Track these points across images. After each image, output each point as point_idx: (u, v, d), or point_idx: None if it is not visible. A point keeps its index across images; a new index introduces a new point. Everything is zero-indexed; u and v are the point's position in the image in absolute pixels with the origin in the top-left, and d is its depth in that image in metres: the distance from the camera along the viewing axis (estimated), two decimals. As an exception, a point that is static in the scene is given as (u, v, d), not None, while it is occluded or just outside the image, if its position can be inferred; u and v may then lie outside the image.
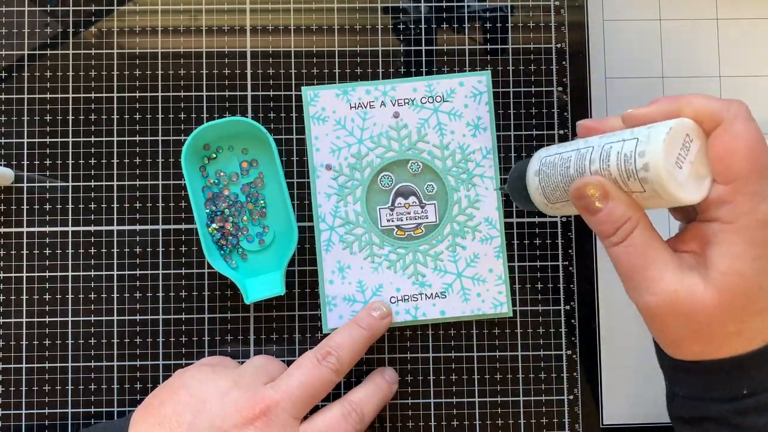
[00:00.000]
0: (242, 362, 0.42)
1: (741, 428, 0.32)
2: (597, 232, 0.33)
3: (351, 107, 0.45)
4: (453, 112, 0.45)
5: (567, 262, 0.45)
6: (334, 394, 0.44)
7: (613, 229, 0.32)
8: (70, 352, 0.44)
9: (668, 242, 0.33)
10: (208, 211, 0.44)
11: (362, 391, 0.40)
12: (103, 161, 0.45)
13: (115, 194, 0.45)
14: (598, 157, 0.31)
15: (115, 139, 0.45)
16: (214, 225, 0.44)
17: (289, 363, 0.40)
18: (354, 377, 0.45)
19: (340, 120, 0.45)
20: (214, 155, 0.45)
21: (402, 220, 0.45)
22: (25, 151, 0.45)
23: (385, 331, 0.44)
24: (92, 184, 0.45)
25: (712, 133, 0.30)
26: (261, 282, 0.43)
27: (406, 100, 0.45)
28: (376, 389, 0.41)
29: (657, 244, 0.32)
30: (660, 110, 0.31)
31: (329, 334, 0.41)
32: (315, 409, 0.39)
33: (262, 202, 0.44)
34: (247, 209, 0.44)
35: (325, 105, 0.45)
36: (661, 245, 0.32)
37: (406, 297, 0.44)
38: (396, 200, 0.45)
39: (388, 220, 0.45)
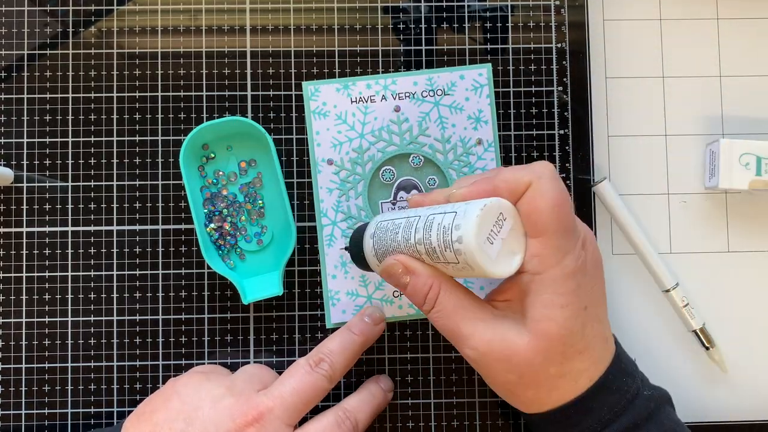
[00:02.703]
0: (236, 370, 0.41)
1: None
2: (413, 304, 0.36)
3: (352, 102, 0.45)
4: (454, 105, 0.45)
5: (567, 262, 0.45)
6: (333, 396, 0.44)
7: (422, 299, 0.35)
8: (70, 352, 0.44)
9: (489, 294, 0.37)
10: (206, 211, 0.44)
11: (356, 399, 0.40)
12: (103, 161, 0.45)
13: (115, 194, 0.45)
14: (422, 227, 0.34)
15: (115, 139, 0.45)
16: (212, 225, 0.44)
17: (288, 363, 0.40)
18: (353, 377, 0.45)
19: (341, 115, 0.45)
20: (213, 155, 0.45)
21: None
22: (25, 151, 0.45)
23: (379, 336, 0.44)
24: (92, 184, 0.45)
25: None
26: (259, 282, 0.43)
27: (407, 94, 0.45)
28: (371, 397, 0.41)
29: (466, 303, 0.35)
30: (478, 190, 0.34)
31: (331, 330, 0.41)
32: (308, 418, 0.39)
33: (260, 202, 0.44)
34: (246, 209, 0.44)
35: (326, 100, 0.45)
36: (470, 303, 0.35)
37: None
38: (398, 194, 0.45)
39: None
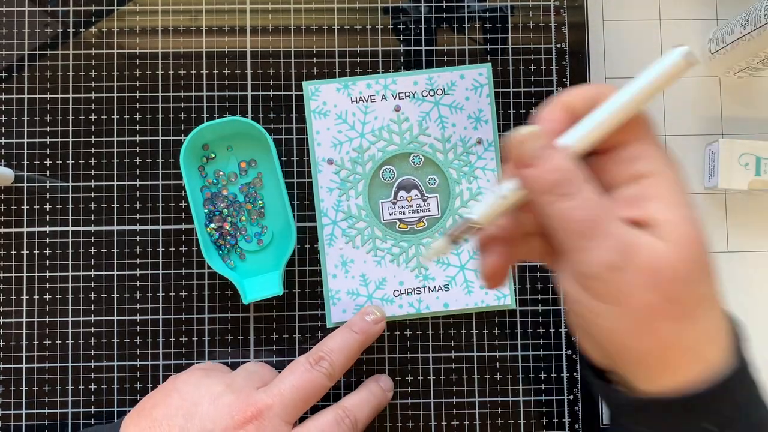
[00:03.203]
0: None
1: None
2: (538, 186, 0.26)
3: (352, 101, 0.45)
4: (454, 104, 0.45)
5: (567, 262, 0.45)
6: (332, 395, 0.44)
7: (547, 186, 0.26)
8: (70, 352, 0.44)
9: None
10: (206, 211, 0.44)
11: (356, 398, 0.40)
12: (103, 161, 0.45)
13: (115, 194, 0.45)
14: None
15: (115, 139, 0.45)
16: (212, 225, 0.44)
17: (288, 363, 0.40)
18: (354, 377, 0.45)
19: (342, 114, 0.45)
20: (213, 155, 0.45)
21: (404, 214, 0.45)
22: (25, 151, 0.45)
23: (380, 335, 0.44)
24: (92, 184, 0.45)
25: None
26: (259, 282, 0.43)
27: (407, 94, 0.45)
28: (371, 396, 0.41)
29: (606, 199, 0.26)
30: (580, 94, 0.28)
31: (331, 329, 0.41)
32: (307, 417, 0.39)
33: (260, 202, 0.44)
34: (246, 209, 0.44)
35: (326, 99, 0.45)
36: (609, 201, 0.26)
37: (410, 290, 0.44)
38: (398, 194, 0.45)
39: (390, 214, 0.45)
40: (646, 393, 0.26)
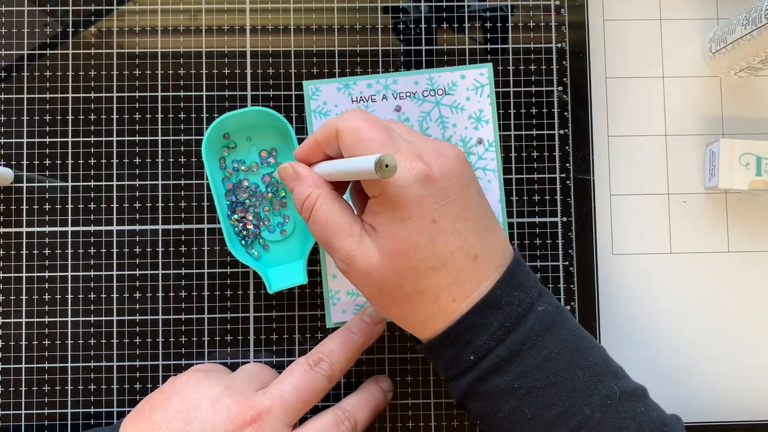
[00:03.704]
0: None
1: (487, 396, 0.34)
2: (296, 205, 0.37)
3: (353, 101, 0.45)
4: (455, 105, 0.45)
5: (567, 262, 0.45)
6: (333, 396, 0.44)
7: (301, 205, 0.36)
8: (70, 352, 0.44)
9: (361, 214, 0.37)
10: (228, 202, 0.44)
11: (356, 399, 0.40)
12: (103, 161, 0.45)
13: (115, 194, 0.45)
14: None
15: (115, 139, 0.45)
16: (235, 216, 0.44)
17: (288, 363, 0.40)
18: (354, 377, 0.45)
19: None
20: (234, 145, 0.44)
21: None
22: (25, 151, 0.45)
23: (380, 335, 0.44)
24: (92, 184, 0.45)
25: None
26: (283, 272, 0.43)
27: (408, 94, 0.45)
28: (370, 397, 0.41)
29: (339, 216, 0.35)
30: (305, 149, 0.38)
31: (331, 330, 0.41)
32: (307, 418, 0.39)
33: (282, 192, 0.44)
34: (268, 199, 0.44)
35: (326, 99, 0.45)
36: (343, 218, 0.35)
37: None
38: None
39: None
40: (423, 341, 0.36)
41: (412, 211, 0.33)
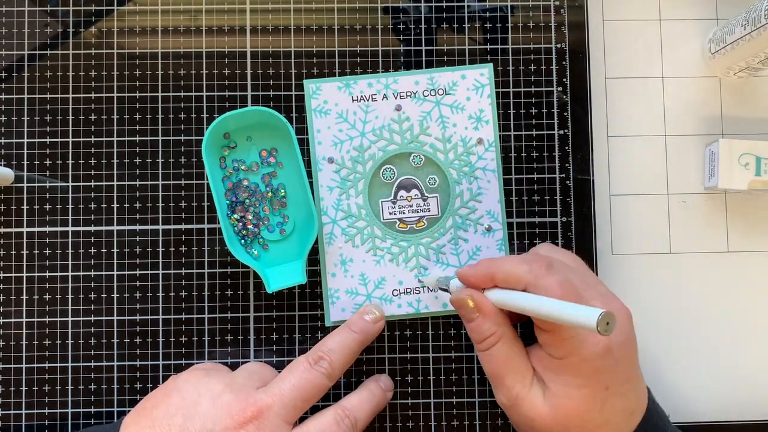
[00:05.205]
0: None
1: None
2: (472, 337, 0.38)
3: (353, 100, 0.45)
4: (455, 104, 0.45)
5: (567, 262, 0.45)
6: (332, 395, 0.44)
7: (480, 340, 0.37)
8: (70, 352, 0.44)
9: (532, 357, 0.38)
10: (228, 201, 0.44)
11: (356, 398, 0.40)
12: (103, 161, 0.45)
13: (115, 194, 0.45)
14: None
15: (115, 139, 0.45)
16: (234, 215, 0.44)
17: (288, 362, 0.40)
18: (354, 377, 0.45)
19: (342, 113, 0.45)
20: (234, 144, 0.44)
21: (404, 213, 0.45)
22: (25, 151, 0.45)
23: (379, 334, 0.44)
24: (92, 184, 0.45)
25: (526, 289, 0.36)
26: (282, 271, 0.43)
27: (408, 93, 0.45)
28: (370, 396, 0.41)
29: (516, 359, 0.37)
30: (477, 275, 0.38)
31: (330, 328, 0.41)
32: (307, 417, 0.39)
33: (282, 191, 0.44)
34: (268, 199, 0.44)
35: (327, 98, 0.45)
36: (519, 360, 0.37)
37: (409, 290, 0.44)
38: (398, 193, 0.45)
39: (390, 213, 0.45)
40: None
41: (589, 380, 0.35)
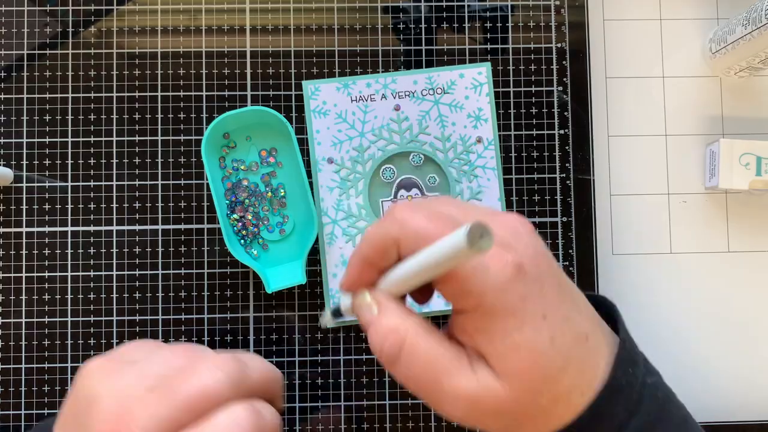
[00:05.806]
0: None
1: None
2: (377, 351, 0.28)
3: (352, 100, 0.45)
4: (454, 103, 0.45)
5: (567, 262, 0.45)
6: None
7: (380, 347, 0.28)
8: (69, 352, 0.44)
9: (447, 328, 0.30)
10: (227, 201, 0.44)
11: (258, 359, 0.30)
12: (103, 161, 0.45)
13: (114, 194, 0.45)
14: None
15: (114, 139, 0.45)
16: (234, 215, 0.44)
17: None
18: (354, 378, 0.45)
19: (341, 113, 0.45)
20: (233, 144, 0.44)
21: None
22: (25, 151, 0.45)
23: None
24: (92, 184, 0.45)
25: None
26: (282, 271, 0.43)
27: (407, 93, 0.45)
28: (273, 368, 0.30)
29: (440, 348, 0.28)
30: (352, 269, 0.29)
31: (330, 329, 0.41)
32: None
33: (282, 191, 0.44)
34: (267, 199, 0.44)
35: (326, 99, 0.45)
36: (447, 350, 0.28)
37: None
38: (398, 193, 0.45)
39: None
40: None
41: (524, 315, 0.27)
